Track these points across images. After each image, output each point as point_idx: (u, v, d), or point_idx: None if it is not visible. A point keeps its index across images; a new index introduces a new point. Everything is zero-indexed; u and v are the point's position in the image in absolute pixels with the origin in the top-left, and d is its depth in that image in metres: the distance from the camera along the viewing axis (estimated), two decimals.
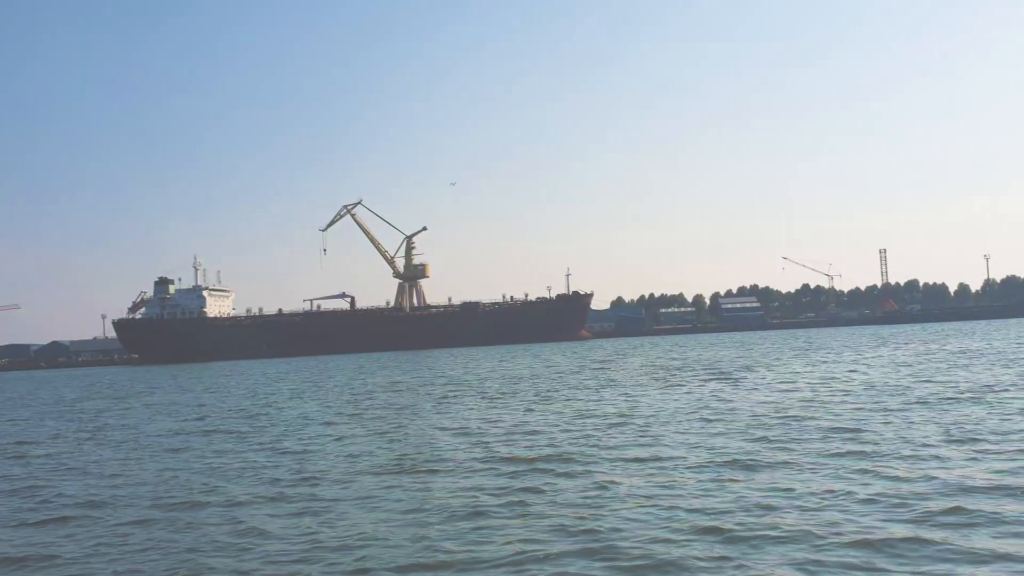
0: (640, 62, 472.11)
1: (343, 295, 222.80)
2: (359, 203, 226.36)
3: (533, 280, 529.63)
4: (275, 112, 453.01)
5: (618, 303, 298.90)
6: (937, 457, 19.94)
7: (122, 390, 79.39)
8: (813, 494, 16.49)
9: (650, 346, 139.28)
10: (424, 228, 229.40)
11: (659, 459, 21.60)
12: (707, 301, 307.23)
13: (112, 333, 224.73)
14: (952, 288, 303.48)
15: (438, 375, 73.10)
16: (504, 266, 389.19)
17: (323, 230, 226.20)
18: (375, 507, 17.55)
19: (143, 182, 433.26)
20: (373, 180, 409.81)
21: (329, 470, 22.57)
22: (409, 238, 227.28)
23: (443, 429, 31.04)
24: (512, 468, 21.36)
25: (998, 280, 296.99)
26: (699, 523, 14.74)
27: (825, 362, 64.01)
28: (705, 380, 50.46)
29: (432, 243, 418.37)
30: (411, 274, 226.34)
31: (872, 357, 67.55)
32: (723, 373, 55.99)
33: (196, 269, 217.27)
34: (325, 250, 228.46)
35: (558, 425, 30.35)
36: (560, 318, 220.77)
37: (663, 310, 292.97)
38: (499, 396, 45.67)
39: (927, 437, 22.95)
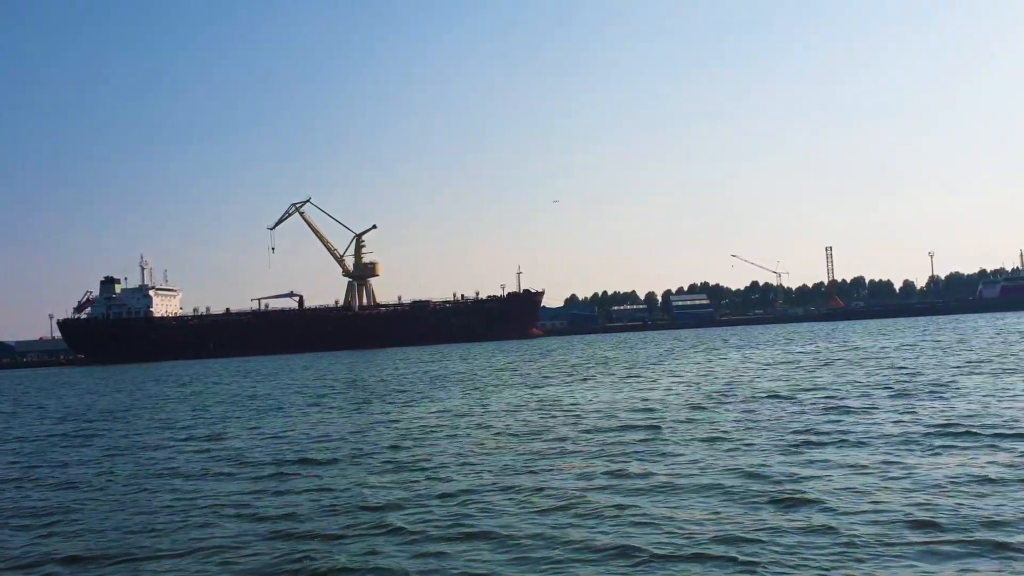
0: (590, 63, 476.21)
1: (291, 294, 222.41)
2: (308, 201, 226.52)
3: (487, 279, 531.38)
4: (222, 109, 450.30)
5: (572, 301, 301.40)
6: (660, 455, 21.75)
7: (16, 393, 79.97)
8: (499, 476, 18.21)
9: (583, 345, 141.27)
10: (374, 226, 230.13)
11: (409, 461, 23.27)
12: (659, 299, 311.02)
13: (59, 333, 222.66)
14: (897, 285, 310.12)
15: (352, 377, 74.37)
16: (457, 265, 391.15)
17: (271, 228, 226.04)
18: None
19: (89, 180, 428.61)
20: (322, 178, 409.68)
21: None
22: (359, 236, 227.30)
23: (268, 434, 32.45)
24: (265, 470, 23.03)
25: (942, 277, 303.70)
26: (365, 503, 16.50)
27: (716, 360, 66.20)
28: (585, 379, 52.56)
29: (383, 242, 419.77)
30: (361, 273, 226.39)
31: (761, 355, 69.88)
32: (611, 372, 58.05)
33: (143, 268, 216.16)
34: (273, 249, 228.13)
35: (373, 429, 31.89)
36: (511, 316, 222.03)
37: (615, 308, 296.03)
38: (380, 398, 47.23)
39: (683, 437, 24.79)
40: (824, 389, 37.48)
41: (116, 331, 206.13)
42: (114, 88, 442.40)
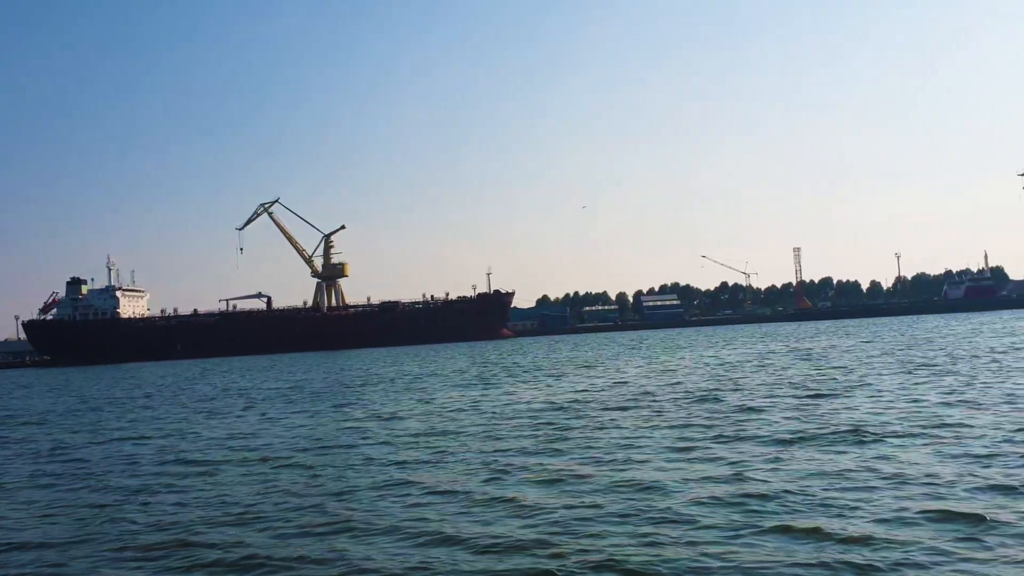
0: (561, 66, 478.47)
1: (259, 295, 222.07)
2: (276, 201, 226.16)
3: (458, 280, 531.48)
4: (191, 109, 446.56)
5: (543, 301, 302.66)
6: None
7: None
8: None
9: (548, 346, 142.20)
10: (343, 227, 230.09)
11: (301, 463, 23.94)
12: (630, 299, 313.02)
13: (24, 334, 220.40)
14: (864, 285, 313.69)
15: (299, 380, 74.80)
16: (428, 266, 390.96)
17: (240, 229, 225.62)
18: None
19: (56, 180, 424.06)
20: (291, 178, 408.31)
21: None
22: (327, 237, 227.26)
23: (193, 435, 32.98)
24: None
25: (909, 278, 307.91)
26: None
27: (661, 360, 67.30)
28: (515, 384, 53.35)
29: (352, 242, 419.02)
30: (330, 273, 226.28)
31: (709, 355, 71.12)
32: (555, 372, 58.98)
33: (110, 269, 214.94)
34: (242, 249, 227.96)
35: (290, 431, 32.50)
36: (481, 317, 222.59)
37: (587, 308, 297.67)
38: (316, 400, 47.82)
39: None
40: (742, 389, 38.51)
41: (82, 332, 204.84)
42: (82, 88, 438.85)
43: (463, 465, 21.71)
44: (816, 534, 13.54)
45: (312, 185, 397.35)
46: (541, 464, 21.14)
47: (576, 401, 37.51)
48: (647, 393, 39.42)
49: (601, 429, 27.25)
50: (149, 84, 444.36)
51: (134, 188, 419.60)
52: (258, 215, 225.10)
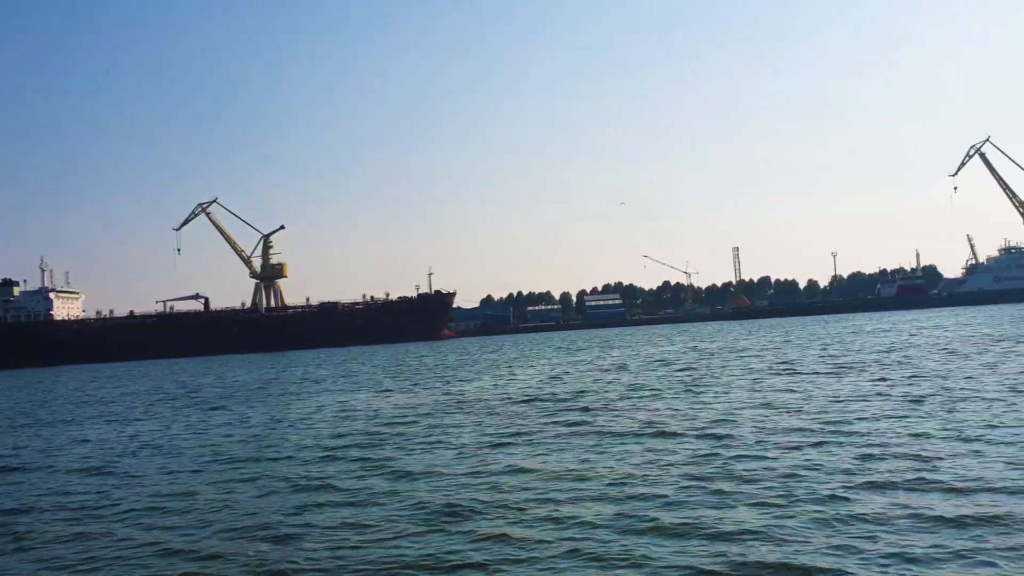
0: (503, 65, 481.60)
1: (197, 296, 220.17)
2: (214, 201, 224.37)
3: (402, 280, 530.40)
4: (126, 106, 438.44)
5: (488, 301, 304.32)
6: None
7: None
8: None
9: (473, 348, 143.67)
10: (282, 227, 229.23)
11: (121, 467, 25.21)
12: (574, 299, 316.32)
13: None
14: (802, 284, 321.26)
15: (195, 383, 75.44)
16: (370, 266, 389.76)
17: (177, 229, 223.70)
18: None
19: None
20: (229, 178, 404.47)
21: None
22: (266, 237, 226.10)
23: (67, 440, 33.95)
24: None
25: (844, 276, 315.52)
26: None
27: (563, 362, 69.32)
28: (415, 383, 54.93)
29: (292, 243, 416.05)
30: (268, 274, 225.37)
31: (618, 355, 73.45)
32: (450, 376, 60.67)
33: (43, 270, 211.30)
34: (179, 250, 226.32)
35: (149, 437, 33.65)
36: (422, 317, 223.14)
37: (530, 308, 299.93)
38: (200, 405, 48.81)
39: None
40: (597, 393, 40.50)
41: (14, 335, 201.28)
42: (13, 85, 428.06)
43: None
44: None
45: (251, 185, 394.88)
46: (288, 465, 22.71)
47: (420, 405, 39.15)
48: (505, 397, 41.21)
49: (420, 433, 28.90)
50: (83, 81, 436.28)
51: (68, 187, 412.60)
52: (195, 215, 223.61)
